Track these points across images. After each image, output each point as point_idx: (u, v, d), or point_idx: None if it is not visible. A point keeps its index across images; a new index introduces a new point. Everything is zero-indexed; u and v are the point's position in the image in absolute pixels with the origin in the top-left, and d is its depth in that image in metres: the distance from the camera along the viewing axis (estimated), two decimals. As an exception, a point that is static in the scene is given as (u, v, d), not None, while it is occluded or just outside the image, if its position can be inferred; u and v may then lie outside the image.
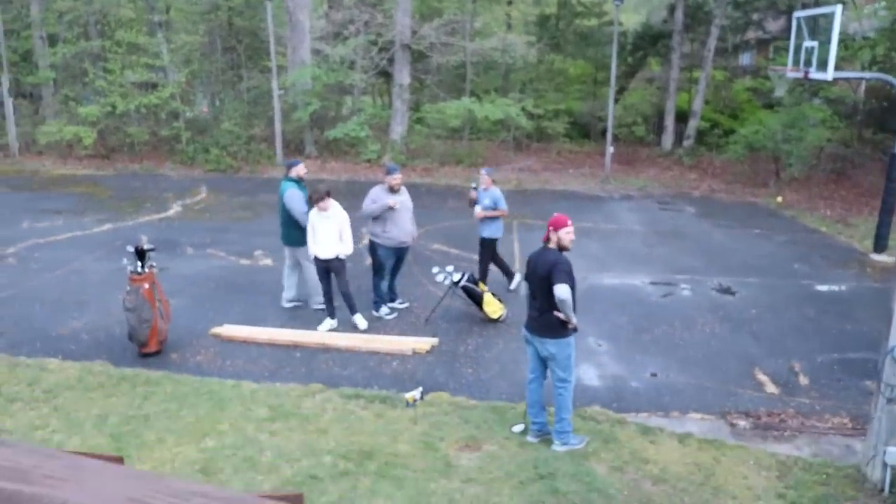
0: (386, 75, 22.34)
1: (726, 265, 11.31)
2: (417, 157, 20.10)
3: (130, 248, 7.84)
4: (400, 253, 8.75)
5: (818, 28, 11.54)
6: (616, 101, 24.76)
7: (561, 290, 5.37)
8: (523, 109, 19.89)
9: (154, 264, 7.86)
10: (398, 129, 20.42)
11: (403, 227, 8.55)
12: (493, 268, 9.60)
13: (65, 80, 22.34)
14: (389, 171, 8.69)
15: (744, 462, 5.65)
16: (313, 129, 20.83)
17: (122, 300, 7.46)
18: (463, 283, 8.53)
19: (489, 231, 9.37)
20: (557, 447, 5.77)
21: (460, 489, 5.13)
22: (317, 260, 8.20)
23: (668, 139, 22.90)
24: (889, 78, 11.84)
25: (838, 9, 10.48)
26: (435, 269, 9.00)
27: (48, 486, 0.83)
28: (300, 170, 8.97)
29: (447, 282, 8.64)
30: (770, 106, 21.47)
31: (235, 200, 15.86)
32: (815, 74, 11.35)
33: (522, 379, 6.39)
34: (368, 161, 19.57)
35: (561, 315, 5.53)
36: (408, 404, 6.24)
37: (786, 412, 6.53)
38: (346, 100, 21.49)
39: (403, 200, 8.60)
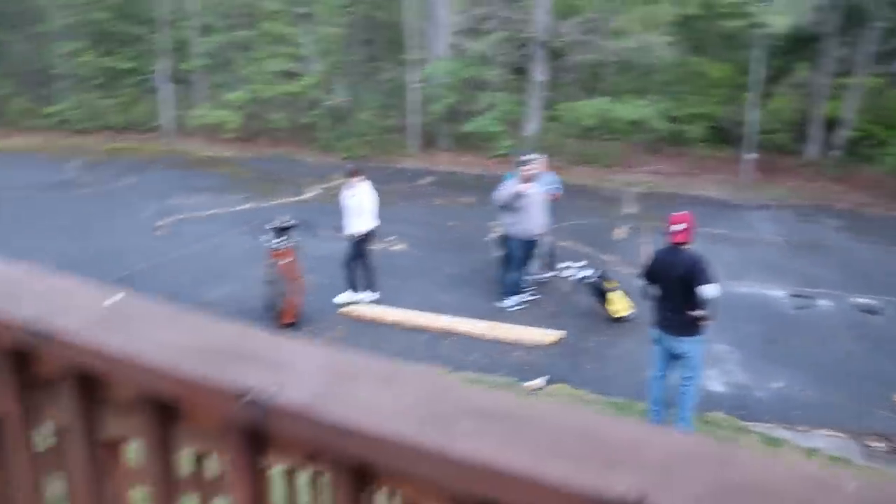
0: (522, 72, 22.42)
1: (870, 282, 10.75)
2: (549, 155, 20.07)
3: (273, 224, 8.37)
4: (531, 245, 8.85)
5: None
6: (759, 106, 23.85)
7: (711, 290, 5.42)
8: (661, 112, 19.50)
9: (294, 240, 8.35)
10: (532, 126, 20.50)
11: (536, 219, 8.64)
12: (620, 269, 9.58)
13: (214, 67, 23.75)
14: (523, 162, 8.75)
15: (875, 483, 5.45)
16: (448, 123, 21.21)
17: (263, 273, 7.97)
18: (591, 279, 8.57)
19: None
20: None
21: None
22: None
23: (813, 148, 21.80)
24: None
25: None
26: (563, 265, 9.08)
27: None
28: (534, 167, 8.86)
29: (576, 278, 8.71)
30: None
31: (369, 188, 16.47)
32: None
33: (645, 377, 6.39)
34: (500, 156, 19.75)
35: (698, 314, 5.54)
36: (528, 394, 6.39)
37: (927, 439, 6.22)
38: (481, 95, 21.71)
39: (535, 193, 8.67)
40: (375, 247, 11.61)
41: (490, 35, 19.88)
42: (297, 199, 14.96)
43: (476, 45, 19.89)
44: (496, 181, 9.98)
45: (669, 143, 22.47)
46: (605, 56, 20.69)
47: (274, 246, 8.21)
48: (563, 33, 19.39)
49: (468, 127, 19.74)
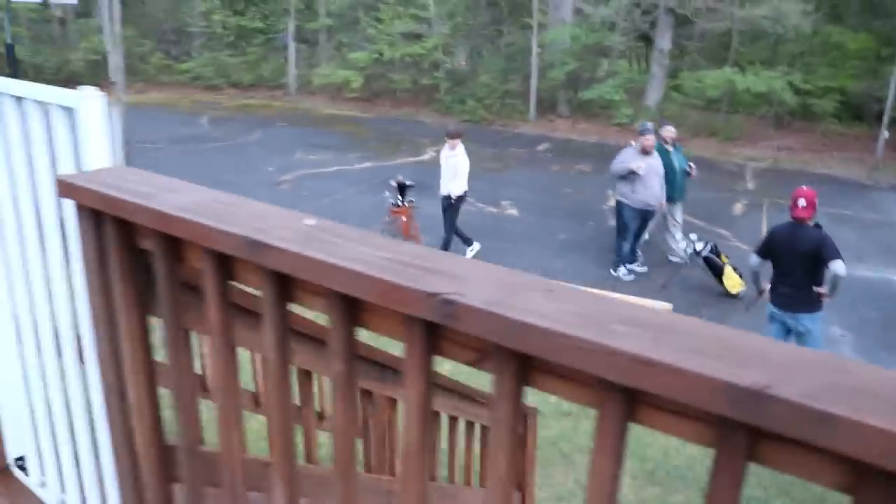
0: (646, 39, 22.00)
1: None
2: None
3: (393, 183, 8.81)
4: (646, 215, 8.95)
5: None
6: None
7: (840, 266, 5.49)
8: (790, 84, 18.79)
9: (412, 199, 8.76)
10: (654, 96, 20.17)
11: (652, 190, 8.73)
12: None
13: (340, 27, 24.43)
14: (643, 132, 8.85)
15: None
16: (567, 90, 21.15)
17: (381, 230, 8.44)
18: (705, 253, 8.62)
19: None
20: None
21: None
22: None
23: (957, 128, 20.50)
24: None
25: None
26: (678, 236, 9.14)
27: None
28: (667, 133, 9.27)
29: (690, 250, 8.77)
30: None
31: (486, 151, 16.71)
32: None
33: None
34: (620, 125, 19.58)
35: (822, 290, 5.63)
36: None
37: None
38: (603, 62, 21.49)
39: (653, 164, 8.74)
40: (490, 210, 11.96)
41: (615, 1, 19.60)
42: (416, 159, 15.42)
43: (600, 11, 19.67)
44: (614, 150, 10.08)
45: (798, 117, 21.61)
46: (734, 24, 20.02)
47: (392, 204, 8.66)
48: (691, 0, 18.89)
49: (588, 94, 19.64)
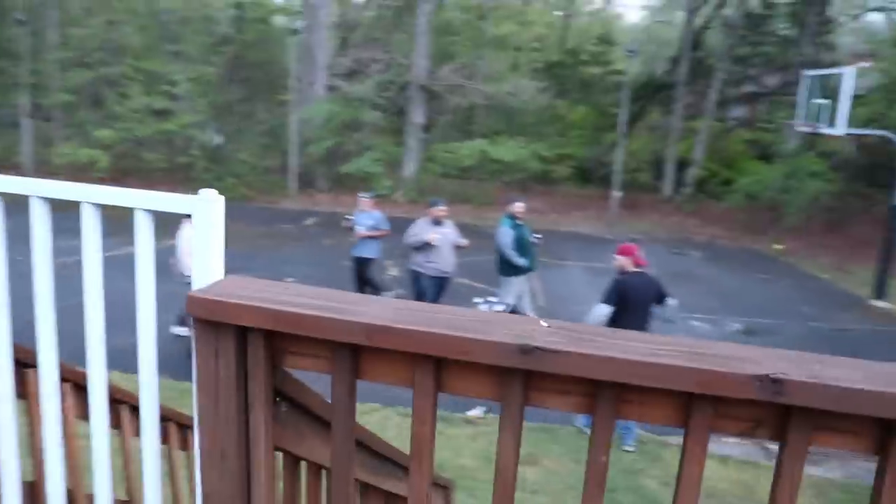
0: (401, 114, 23.00)
1: (741, 307, 11.86)
2: (428, 195, 20.66)
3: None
4: (442, 282, 9.20)
5: (827, 86, 12.30)
6: (616, 145, 25.58)
7: (673, 300, 6.63)
8: (534, 153, 20.57)
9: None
10: (411, 167, 21.01)
11: (446, 259, 9.03)
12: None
13: (80, 103, 22.79)
14: (433, 204, 9.24)
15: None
16: (326, 164, 21.36)
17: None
18: (503, 312, 9.00)
19: (367, 251, 9.85)
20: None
21: (530, 499, 5.55)
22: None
23: (668, 186, 23.65)
24: (891, 135, 12.60)
25: (851, 70, 11.24)
26: (477, 300, 9.48)
27: None
28: (517, 207, 9.30)
29: (489, 311, 9.11)
30: (764, 157, 22.33)
31: (258, 229, 16.28)
32: (825, 129, 12.08)
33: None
34: (380, 196, 20.06)
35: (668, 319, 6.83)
36: (468, 422, 6.68)
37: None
38: (360, 136, 22.04)
39: (446, 233, 9.09)
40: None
41: (371, 78, 20.32)
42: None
43: (355, 88, 20.25)
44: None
45: (538, 181, 23.66)
46: (479, 99, 21.59)
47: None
48: (441, 77, 20.11)
49: (349, 168, 19.97)
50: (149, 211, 1.36)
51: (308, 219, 18.11)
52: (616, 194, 19.99)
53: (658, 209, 21.96)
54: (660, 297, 6.50)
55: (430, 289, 9.09)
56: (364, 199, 10.13)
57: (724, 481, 6.04)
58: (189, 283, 1.25)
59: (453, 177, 22.05)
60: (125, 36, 22.93)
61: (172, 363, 8.01)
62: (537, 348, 1.01)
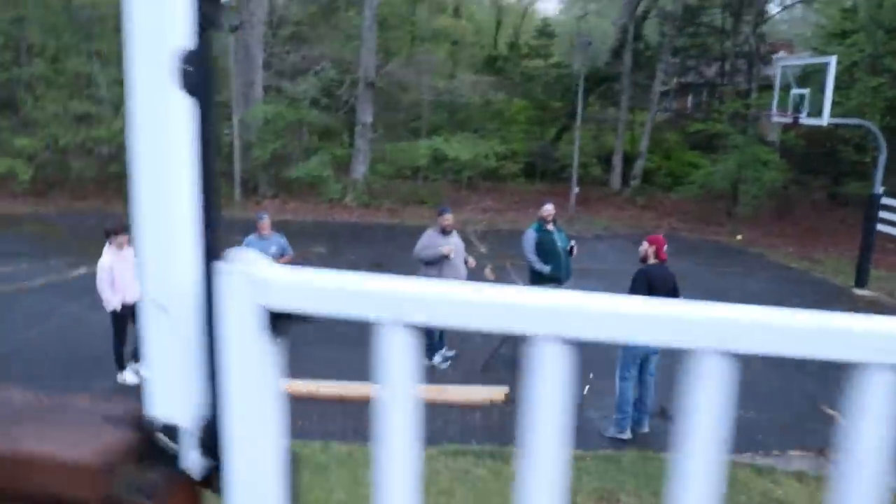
0: (348, 114, 22.13)
1: (727, 303, 11.64)
2: (380, 198, 19.92)
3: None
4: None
5: (801, 75, 12.25)
6: (558, 139, 25.43)
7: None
8: (490, 149, 20.09)
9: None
10: (360, 169, 20.18)
11: (458, 270, 8.40)
12: None
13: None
14: (441, 212, 8.57)
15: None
16: (270, 169, 20.31)
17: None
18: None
19: None
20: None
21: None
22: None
23: (616, 179, 23.61)
24: (869, 124, 12.68)
25: (833, 59, 11.17)
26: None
27: None
28: (546, 211, 8.89)
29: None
30: (704, 148, 22.58)
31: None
32: (806, 119, 12.01)
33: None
34: (332, 200, 19.22)
35: None
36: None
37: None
38: (306, 139, 21.10)
39: (456, 243, 8.47)
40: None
41: (316, 76, 19.39)
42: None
43: (300, 87, 19.29)
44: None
45: (486, 179, 23.23)
46: (428, 95, 20.96)
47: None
48: (389, 73, 19.38)
49: (297, 172, 19.01)
50: None
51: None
52: (575, 190, 19.73)
53: (610, 203, 21.84)
54: (675, 294, 6.58)
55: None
56: (262, 222, 8.69)
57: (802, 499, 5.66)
58: None
59: (404, 177, 21.39)
60: (36, 34, 21.15)
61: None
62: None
